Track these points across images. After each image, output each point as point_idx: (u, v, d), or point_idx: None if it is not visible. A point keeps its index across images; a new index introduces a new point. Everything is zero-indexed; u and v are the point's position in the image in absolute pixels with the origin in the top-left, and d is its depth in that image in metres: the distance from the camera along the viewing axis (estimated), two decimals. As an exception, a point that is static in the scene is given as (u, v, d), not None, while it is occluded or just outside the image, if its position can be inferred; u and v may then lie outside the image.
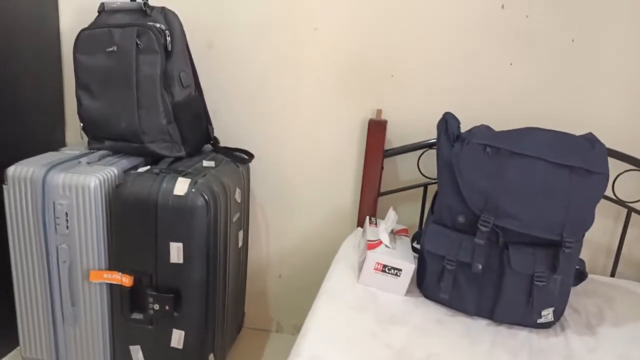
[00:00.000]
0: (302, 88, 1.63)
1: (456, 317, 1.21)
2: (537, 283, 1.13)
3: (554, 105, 1.51)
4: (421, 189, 1.59)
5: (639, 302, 1.34)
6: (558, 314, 1.19)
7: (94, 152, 1.44)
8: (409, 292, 1.27)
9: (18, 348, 1.45)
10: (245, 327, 1.87)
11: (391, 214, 1.39)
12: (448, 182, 1.20)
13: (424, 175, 1.58)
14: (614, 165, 1.43)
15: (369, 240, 1.33)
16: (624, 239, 1.50)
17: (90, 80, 1.40)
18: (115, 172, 1.34)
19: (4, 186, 1.30)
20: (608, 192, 1.47)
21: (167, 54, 1.39)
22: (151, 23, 1.37)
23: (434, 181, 1.56)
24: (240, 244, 1.58)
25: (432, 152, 1.54)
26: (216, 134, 1.66)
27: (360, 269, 1.29)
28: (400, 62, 1.56)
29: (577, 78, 1.48)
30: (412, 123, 1.59)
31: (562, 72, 1.48)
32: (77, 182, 1.27)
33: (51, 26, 1.66)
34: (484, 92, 1.53)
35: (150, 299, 1.30)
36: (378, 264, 1.26)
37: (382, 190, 1.61)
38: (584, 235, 1.18)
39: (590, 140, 1.19)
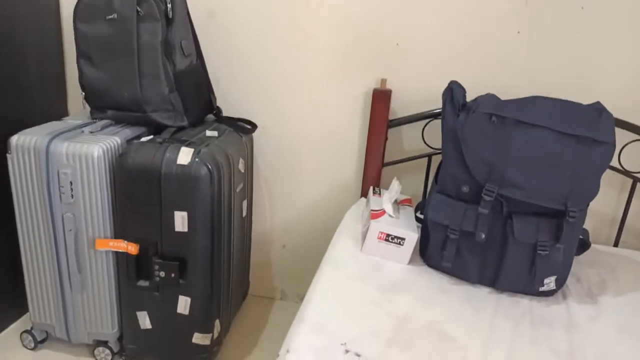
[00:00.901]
0: (306, 57, 1.61)
1: (459, 286, 1.22)
2: (540, 252, 1.14)
3: (562, 73, 1.48)
4: (425, 159, 1.58)
5: (641, 272, 1.35)
6: (560, 283, 1.20)
7: (96, 122, 1.43)
8: (412, 261, 1.28)
9: (28, 314, 1.48)
10: (250, 294, 1.90)
11: (395, 184, 1.39)
12: (453, 151, 1.20)
13: (428, 146, 1.57)
14: (621, 135, 1.41)
15: (372, 210, 1.33)
16: (628, 209, 1.50)
17: (90, 48, 1.38)
18: (118, 141, 1.34)
19: (8, 155, 1.31)
20: (614, 162, 1.45)
21: (168, 21, 1.37)
22: (151, -11, 1.34)
23: (438, 151, 1.55)
24: (244, 213, 1.59)
25: (437, 122, 1.52)
26: (219, 103, 1.64)
27: (364, 238, 1.29)
28: (405, 31, 1.53)
29: (585, 46, 1.45)
30: (417, 92, 1.57)
31: (570, 40, 1.45)
32: (80, 151, 1.27)
33: (50, -7, 1.64)
34: (490, 61, 1.50)
35: (156, 267, 1.32)
36: (381, 233, 1.26)
37: (386, 160, 1.61)
38: (588, 205, 1.17)
39: (597, 109, 1.17)
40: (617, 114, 1.37)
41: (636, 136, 1.42)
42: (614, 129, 1.14)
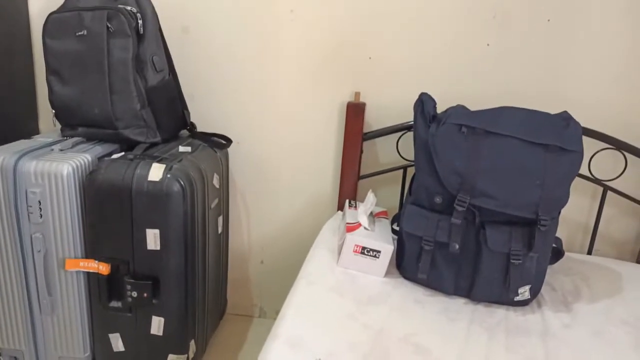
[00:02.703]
0: (280, 71, 1.61)
1: (434, 297, 1.22)
2: (514, 261, 1.14)
3: (530, 84, 1.51)
4: (401, 171, 1.59)
5: (614, 279, 1.36)
6: (535, 292, 1.21)
7: (67, 139, 1.41)
8: (388, 273, 1.28)
9: (-5, 339, 1.43)
10: (228, 313, 1.87)
11: (370, 197, 1.39)
12: (425, 162, 1.20)
13: (403, 158, 1.58)
14: (590, 144, 1.44)
15: (348, 223, 1.33)
16: (600, 217, 1.52)
17: (60, 65, 1.36)
18: (89, 158, 1.31)
19: (-26, 175, 1.27)
20: (585, 170, 1.49)
21: (139, 37, 1.36)
22: (122, 6, 1.34)
23: (412, 163, 1.56)
24: (220, 230, 1.57)
25: (411, 134, 1.53)
26: (194, 119, 1.63)
27: (340, 251, 1.29)
28: (378, 44, 1.54)
29: (552, 58, 1.48)
30: (391, 105, 1.58)
31: (538, 52, 1.48)
32: (49, 169, 1.24)
33: (20, 11, 1.61)
34: (461, 73, 1.53)
35: (128, 287, 1.29)
36: (357, 246, 1.26)
37: (362, 173, 1.61)
38: (559, 213, 1.19)
39: (565, 118, 1.19)
40: (586, 123, 1.40)
41: (605, 145, 1.45)
42: (582, 138, 1.16)
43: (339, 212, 1.60)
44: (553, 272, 1.35)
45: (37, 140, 1.41)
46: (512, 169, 1.12)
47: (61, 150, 1.33)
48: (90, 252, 1.30)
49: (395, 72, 1.56)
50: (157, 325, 1.33)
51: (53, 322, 1.37)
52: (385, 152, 1.63)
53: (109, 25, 1.31)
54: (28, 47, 1.66)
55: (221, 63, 1.62)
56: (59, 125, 1.46)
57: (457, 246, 1.15)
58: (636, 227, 1.57)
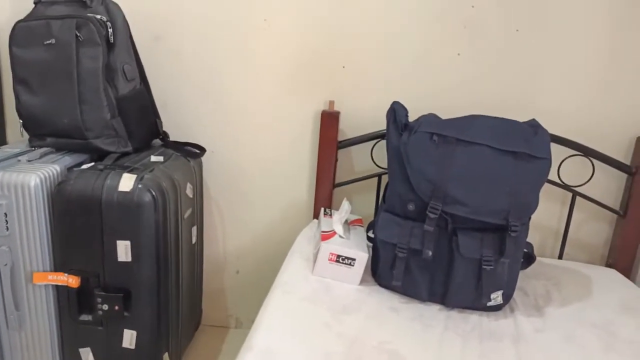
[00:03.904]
0: (254, 79, 1.61)
1: (409, 304, 1.22)
2: (485, 267, 1.15)
3: (500, 93, 1.54)
4: (375, 179, 1.60)
5: (584, 283, 1.39)
6: (507, 297, 1.22)
7: (35, 150, 1.38)
8: (363, 281, 1.28)
9: (-40, 357, 1.38)
10: (204, 324, 1.84)
11: (345, 205, 1.39)
12: (397, 170, 1.21)
13: (377, 166, 1.59)
14: (559, 151, 1.47)
15: (323, 232, 1.33)
16: (570, 222, 1.55)
17: (28, 74, 1.34)
18: (58, 169, 1.28)
19: (-64, 187, 1.23)
20: (554, 177, 1.52)
21: (110, 46, 1.34)
22: (91, 14, 1.32)
23: (387, 171, 1.57)
24: (194, 240, 1.55)
25: (385, 142, 1.54)
26: (167, 128, 1.62)
27: (315, 260, 1.28)
28: (351, 53, 1.56)
29: (521, 67, 1.51)
30: (365, 113, 1.59)
31: (507, 61, 1.51)
32: (16, 180, 1.21)
33: (-14, 19, 1.58)
34: (433, 82, 1.55)
35: (99, 299, 1.26)
36: (332, 254, 1.26)
37: (337, 181, 1.61)
38: (529, 219, 1.20)
39: (533, 126, 1.22)
40: (554, 130, 1.44)
41: (573, 151, 1.48)
42: (550, 145, 1.18)
43: (315, 220, 1.60)
44: (525, 277, 1.37)
45: (4, 150, 1.38)
46: (482, 176, 1.14)
47: (29, 160, 1.30)
48: (59, 264, 1.27)
49: (368, 81, 1.57)
50: (129, 338, 1.30)
51: (21, 337, 1.33)
52: (359, 160, 1.64)
53: (78, 34, 1.29)
54: (-5, 56, 1.63)
55: (194, 71, 1.61)
56: (26, 136, 1.43)
57: (430, 253, 1.16)
58: (605, 231, 1.60)
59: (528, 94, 1.53)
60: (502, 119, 1.22)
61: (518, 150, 1.15)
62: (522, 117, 1.31)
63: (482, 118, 1.22)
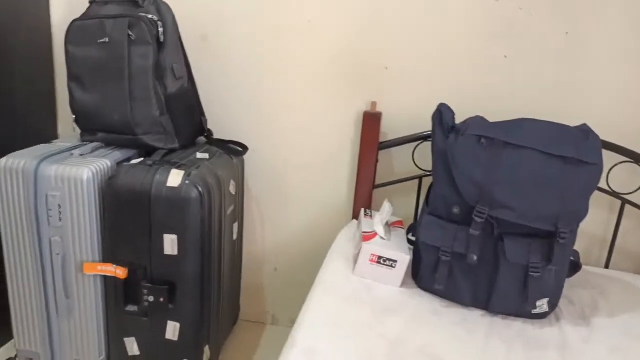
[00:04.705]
0: (297, 80, 1.62)
1: (451, 308, 1.21)
2: (532, 274, 1.13)
3: (548, 96, 1.51)
4: (416, 181, 1.59)
5: (632, 294, 1.35)
6: (553, 305, 1.20)
7: (86, 144, 1.42)
8: (404, 283, 1.27)
9: (13, 341, 1.44)
10: (241, 319, 1.87)
11: (386, 206, 1.39)
12: (443, 173, 1.20)
13: (418, 168, 1.58)
14: (609, 157, 1.43)
15: (364, 232, 1.33)
16: (618, 231, 1.50)
17: (82, 72, 1.38)
18: (108, 164, 1.33)
19: (-4, 178, 1.29)
20: (602, 183, 1.47)
21: (160, 45, 1.37)
22: (143, 14, 1.36)
23: (428, 173, 1.56)
24: (235, 236, 1.58)
25: (427, 145, 1.53)
26: (210, 126, 1.65)
27: (356, 260, 1.28)
28: (394, 55, 1.55)
29: (570, 70, 1.48)
30: (407, 115, 1.58)
31: (555, 65, 1.48)
32: (69, 174, 1.26)
33: (43, 17, 1.64)
34: (478, 84, 1.53)
35: (145, 291, 1.30)
36: (373, 255, 1.26)
37: (377, 182, 1.61)
38: (578, 226, 1.18)
39: (584, 131, 1.19)
40: (604, 136, 1.39)
41: (623, 158, 1.44)
42: (601, 151, 1.15)
43: (354, 220, 1.60)
44: (570, 286, 1.34)
45: (57, 145, 1.43)
46: (531, 181, 1.12)
47: (81, 155, 1.35)
48: (108, 256, 1.31)
49: (411, 83, 1.56)
50: (172, 330, 1.33)
51: (70, 324, 1.38)
52: (400, 162, 1.63)
53: (131, 33, 1.33)
54: (49, 54, 1.69)
55: (238, 71, 1.64)
56: (78, 130, 1.48)
57: (475, 257, 1.15)
58: (654, 241, 1.55)
59: (577, 98, 1.49)
60: (552, 122, 1.19)
61: (568, 155, 1.12)
62: (570, 121, 1.28)
63: (531, 121, 1.20)
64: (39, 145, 1.40)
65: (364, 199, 1.60)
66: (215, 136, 1.63)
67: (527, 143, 1.13)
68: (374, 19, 1.53)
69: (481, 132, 1.16)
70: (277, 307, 1.86)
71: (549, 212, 1.11)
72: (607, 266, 1.54)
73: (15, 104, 1.55)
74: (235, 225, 1.57)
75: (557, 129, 1.18)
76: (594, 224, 1.57)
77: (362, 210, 1.52)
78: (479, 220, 1.13)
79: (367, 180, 1.58)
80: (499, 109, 1.50)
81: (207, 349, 1.41)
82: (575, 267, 1.28)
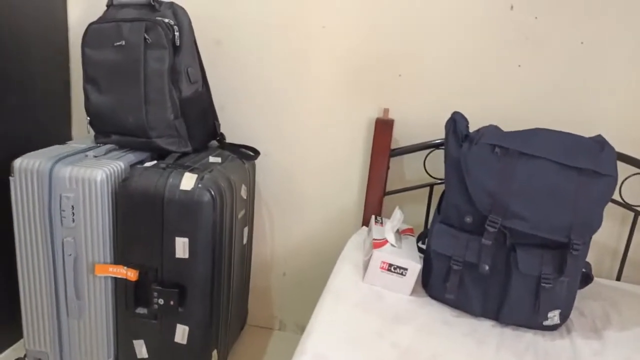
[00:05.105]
0: (310, 86, 1.63)
1: (462, 318, 1.20)
2: (544, 285, 1.13)
3: (562, 106, 1.50)
4: (427, 189, 1.59)
5: (644, 306, 1.33)
6: (564, 317, 1.19)
7: (100, 146, 1.44)
8: (414, 291, 1.27)
9: (22, 340, 1.45)
10: (249, 324, 1.87)
11: (397, 213, 1.39)
12: (456, 181, 1.20)
13: (430, 175, 1.58)
14: (621, 169, 1.41)
15: (374, 239, 1.33)
16: (630, 243, 1.49)
17: (97, 74, 1.40)
18: (122, 166, 1.34)
19: (11, 178, 1.30)
20: (615, 195, 1.46)
21: (175, 49, 1.39)
22: (159, 18, 1.37)
23: (440, 181, 1.56)
24: (245, 240, 1.58)
25: (439, 153, 1.53)
26: (223, 129, 1.66)
27: (366, 268, 1.28)
28: (408, 62, 1.55)
29: (585, 80, 1.47)
30: (419, 123, 1.58)
31: (570, 74, 1.48)
32: (83, 175, 1.27)
33: (59, 20, 1.66)
34: (492, 93, 1.53)
35: (155, 294, 1.30)
36: (384, 262, 1.25)
37: (388, 189, 1.61)
38: (591, 237, 1.17)
39: (599, 142, 1.18)
40: (618, 147, 1.39)
41: (637, 170, 1.43)
42: (616, 162, 1.14)
43: (364, 227, 1.60)
44: (582, 297, 1.33)
45: (71, 146, 1.44)
46: (545, 192, 1.11)
47: (95, 156, 1.36)
48: (119, 257, 1.32)
49: (424, 90, 1.56)
50: (181, 333, 1.33)
51: (79, 325, 1.38)
52: (411, 169, 1.63)
53: (147, 37, 1.34)
54: (65, 55, 1.71)
55: (251, 76, 1.65)
56: (92, 132, 1.49)
57: (487, 267, 1.14)
58: (666, 254, 1.54)
59: (592, 109, 1.49)
60: (567, 133, 1.19)
61: (583, 166, 1.11)
62: (585, 132, 1.27)
63: (545, 132, 1.19)
64: (53, 146, 1.42)
65: (374, 205, 1.59)
66: (228, 140, 1.63)
67: (542, 153, 1.13)
68: (388, 26, 1.54)
69: (495, 141, 1.16)
70: (285, 311, 1.86)
71: (563, 223, 1.10)
72: (618, 278, 1.53)
73: (30, 104, 1.57)
74: (246, 230, 1.58)
75: (572, 139, 1.18)
76: (606, 235, 1.56)
77: (373, 217, 1.52)
78: (491, 230, 1.12)
79: (378, 187, 1.58)
80: (512, 118, 1.50)
81: (215, 353, 1.41)
82: (586, 278, 1.27)
